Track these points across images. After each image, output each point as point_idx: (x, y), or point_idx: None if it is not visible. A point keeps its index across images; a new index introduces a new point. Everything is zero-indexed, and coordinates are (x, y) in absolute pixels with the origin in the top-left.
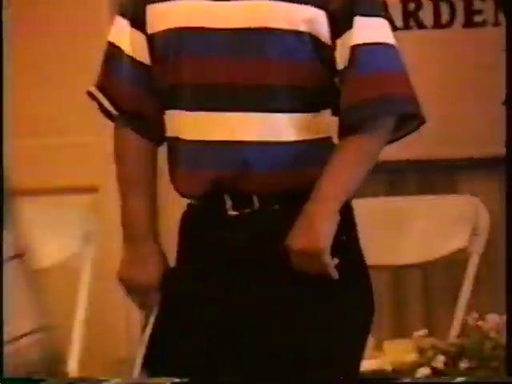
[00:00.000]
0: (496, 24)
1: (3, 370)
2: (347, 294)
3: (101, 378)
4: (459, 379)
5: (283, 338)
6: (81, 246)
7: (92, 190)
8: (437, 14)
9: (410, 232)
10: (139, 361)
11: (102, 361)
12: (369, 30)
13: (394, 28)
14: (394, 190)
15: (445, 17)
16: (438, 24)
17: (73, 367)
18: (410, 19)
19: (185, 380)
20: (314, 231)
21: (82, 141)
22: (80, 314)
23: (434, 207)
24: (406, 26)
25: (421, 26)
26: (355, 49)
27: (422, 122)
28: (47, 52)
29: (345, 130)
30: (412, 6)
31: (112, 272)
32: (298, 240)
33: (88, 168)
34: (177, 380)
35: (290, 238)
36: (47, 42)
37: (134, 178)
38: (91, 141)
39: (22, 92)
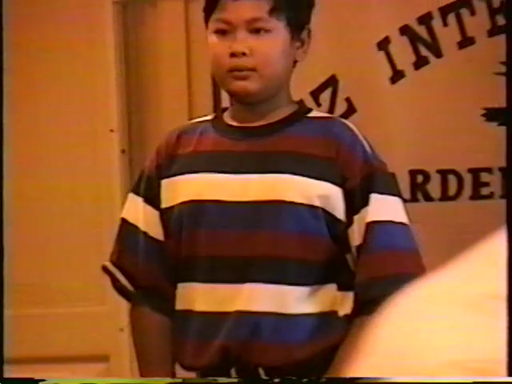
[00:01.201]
0: (503, 196)
1: (3, 370)
2: None
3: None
4: (460, 379)
5: None
6: None
7: (104, 358)
8: (444, 186)
9: None
10: None
11: None
12: (384, 208)
13: (404, 201)
14: None
15: (452, 189)
16: (444, 196)
17: None
18: (418, 192)
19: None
20: None
21: (92, 310)
22: None
23: None
24: (414, 199)
25: (428, 198)
26: (371, 226)
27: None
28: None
29: (359, 305)
30: (420, 178)
31: None
32: None
33: (99, 337)
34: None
35: None
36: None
37: (154, 356)
38: (101, 310)
39: (26, 260)
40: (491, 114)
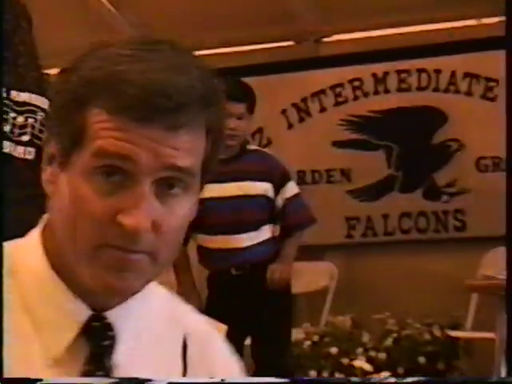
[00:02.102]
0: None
1: (3, 370)
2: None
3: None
4: (457, 379)
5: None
6: None
7: None
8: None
9: None
10: None
11: None
12: (292, 187)
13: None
14: None
15: None
16: None
17: None
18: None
19: (181, 380)
20: (288, 270)
21: None
22: None
23: None
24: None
25: None
26: (286, 199)
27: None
28: None
29: (286, 233)
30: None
31: None
32: (276, 274)
33: None
34: (174, 380)
35: (271, 273)
36: None
37: (183, 268)
38: None
39: None
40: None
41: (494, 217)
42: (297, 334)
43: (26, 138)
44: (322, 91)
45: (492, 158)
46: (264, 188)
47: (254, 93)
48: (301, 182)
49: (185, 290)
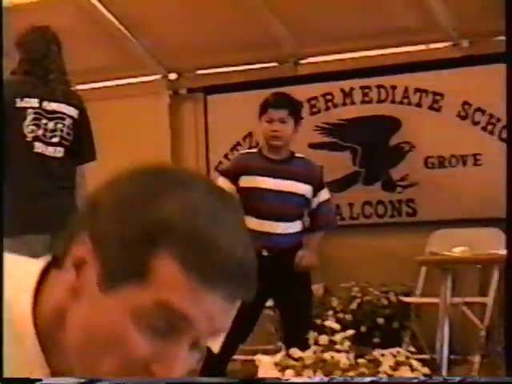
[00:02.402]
0: None
1: (3, 370)
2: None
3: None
4: (458, 379)
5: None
6: None
7: None
8: None
9: None
10: None
11: None
12: (326, 193)
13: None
14: None
15: None
16: None
17: None
18: None
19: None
20: (314, 257)
21: None
22: None
23: None
24: None
25: None
26: (320, 202)
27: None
28: None
29: (313, 229)
30: None
31: None
32: (303, 259)
33: None
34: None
35: (299, 258)
36: None
37: None
38: None
39: None
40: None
41: (439, 205)
42: None
43: (55, 139)
44: (300, 103)
45: (438, 157)
46: (306, 189)
47: (295, 101)
48: None
49: None
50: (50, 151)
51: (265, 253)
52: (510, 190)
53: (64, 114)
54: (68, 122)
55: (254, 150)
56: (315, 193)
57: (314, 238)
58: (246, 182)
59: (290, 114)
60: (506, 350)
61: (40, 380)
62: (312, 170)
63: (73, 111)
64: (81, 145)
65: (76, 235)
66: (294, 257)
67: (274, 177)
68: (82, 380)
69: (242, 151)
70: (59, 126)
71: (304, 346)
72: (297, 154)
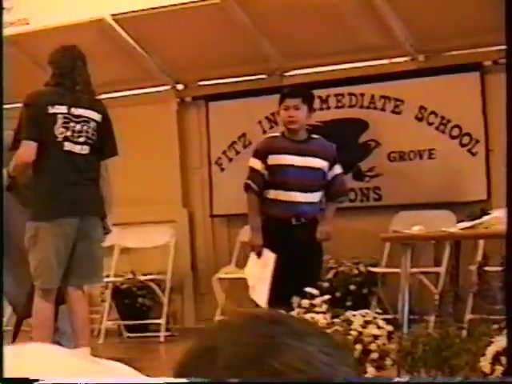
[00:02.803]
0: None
1: (3, 370)
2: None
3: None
4: (459, 379)
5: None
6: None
7: (173, 221)
8: None
9: None
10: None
11: None
12: (339, 168)
13: None
14: None
15: None
16: None
17: None
18: None
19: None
20: (328, 229)
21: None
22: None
23: None
24: None
25: None
26: (335, 174)
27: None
28: None
29: (328, 199)
30: None
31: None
32: (320, 234)
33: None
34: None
35: (319, 233)
36: None
37: (255, 211)
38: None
39: None
40: None
41: (400, 191)
42: None
43: (81, 139)
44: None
45: (399, 152)
46: (323, 164)
47: (308, 92)
48: None
49: (253, 227)
50: (77, 149)
51: (294, 221)
52: (509, 178)
53: (89, 118)
54: (92, 124)
55: (278, 134)
56: (330, 167)
57: (329, 211)
58: (273, 160)
59: (303, 102)
60: (506, 350)
61: (40, 380)
62: (327, 148)
63: (96, 116)
64: (104, 143)
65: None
66: (315, 226)
67: (296, 154)
68: (87, 380)
69: (268, 135)
70: (85, 128)
71: (289, 309)
72: (313, 136)
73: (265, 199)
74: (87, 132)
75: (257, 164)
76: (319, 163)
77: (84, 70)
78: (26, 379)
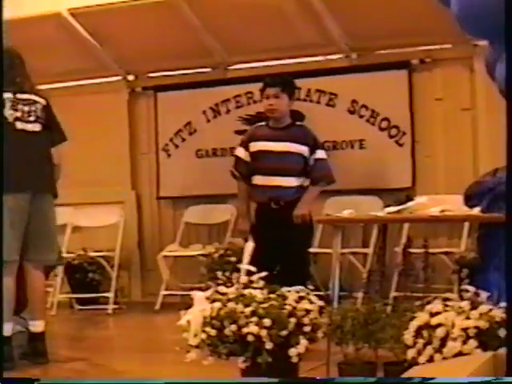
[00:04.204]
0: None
1: (3, 370)
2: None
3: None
4: (459, 379)
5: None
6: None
7: (122, 202)
8: None
9: None
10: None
11: None
12: (321, 153)
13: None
14: None
15: None
16: None
17: None
18: None
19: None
20: (303, 211)
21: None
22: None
23: None
24: None
25: None
26: (316, 159)
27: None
28: None
29: (312, 183)
30: None
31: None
32: (299, 210)
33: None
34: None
35: (296, 210)
36: None
37: (242, 197)
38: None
39: None
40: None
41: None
42: (209, 248)
43: (32, 118)
44: (228, 100)
45: (332, 141)
46: (302, 149)
47: (288, 80)
48: (214, 155)
49: (241, 213)
50: (29, 127)
51: (273, 205)
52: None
53: (34, 100)
54: (39, 106)
55: (264, 123)
56: (311, 152)
57: (308, 194)
58: (254, 147)
59: (283, 91)
60: (506, 350)
61: (40, 380)
62: (306, 134)
63: (41, 99)
64: (52, 128)
65: None
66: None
67: (276, 140)
68: (85, 380)
69: (255, 125)
70: (33, 108)
71: (228, 285)
72: (297, 123)
73: (251, 185)
74: (35, 111)
75: (240, 152)
76: (298, 148)
77: (22, 66)
78: (26, 379)
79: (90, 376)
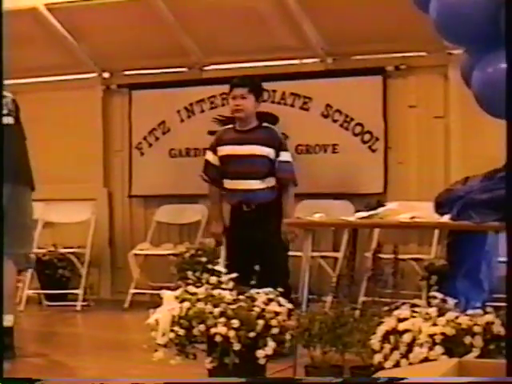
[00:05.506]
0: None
1: (3, 370)
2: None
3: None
4: (457, 379)
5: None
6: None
7: (93, 199)
8: None
9: None
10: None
11: None
12: (286, 155)
13: None
14: None
15: None
16: None
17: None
18: None
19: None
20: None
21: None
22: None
23: None
24: None
25: None
26: (281, 161)
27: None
28: None
29: (280, 185)
30: None
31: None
32: (284, 230)
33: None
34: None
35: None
36: None
37: (214, 201)
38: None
39: None
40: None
41: (305, 181)
42: (180, 248)
43: (4, 112)
44: (202, 100)
45: (305, 145)
46: (268, 151)
47: (255, 81)
48: (187, 155)
49: (213, 216)
50: (4, 120)
51: (245, 208)
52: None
53: (4, 95)
54: (9, 99)
55: (231, 126)
56: (277, 154)
57: (285, 204)
58: (221, 151)
59: (250, 92)
60: (506, 350)
61: (40, 380)
62: (272, 136)
63: (8, 94)
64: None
65: None
66: (270, 210)
67: (241, 144)
68: (83, 380)
69: (223, 127)
70: (4, 101)
71: (198, 285)
72: (264, 124)
73: (223, 188)
74: (7, 104)
75: (209, 156)
76: (264, 150)
77: None
78: (26, 379)
79: (46, 372)
